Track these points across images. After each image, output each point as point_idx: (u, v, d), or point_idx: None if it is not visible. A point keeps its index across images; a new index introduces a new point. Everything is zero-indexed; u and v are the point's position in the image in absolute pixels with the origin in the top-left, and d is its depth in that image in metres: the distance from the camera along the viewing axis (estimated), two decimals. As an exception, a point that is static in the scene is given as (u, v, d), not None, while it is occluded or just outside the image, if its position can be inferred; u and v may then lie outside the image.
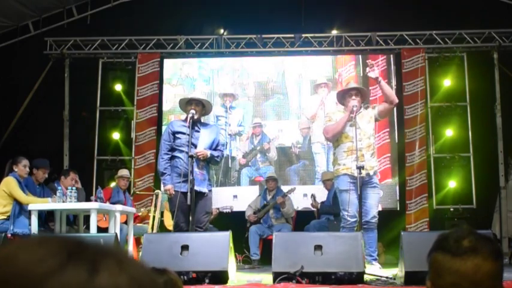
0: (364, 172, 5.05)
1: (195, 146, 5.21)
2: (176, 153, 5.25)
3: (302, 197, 8.38)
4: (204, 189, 5.24)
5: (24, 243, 0.59)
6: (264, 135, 9.01)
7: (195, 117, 5.25)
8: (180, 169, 5.14)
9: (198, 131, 5.30)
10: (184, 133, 5.24)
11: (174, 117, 9.13)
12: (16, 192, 5.91)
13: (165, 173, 5.23)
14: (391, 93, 5.45)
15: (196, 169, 5.13)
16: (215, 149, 5.33)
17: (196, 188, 5.10)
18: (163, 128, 9.05)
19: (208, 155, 5.22)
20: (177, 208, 5.13)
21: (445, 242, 1.33)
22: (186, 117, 5.33)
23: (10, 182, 5.97)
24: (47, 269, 0.55)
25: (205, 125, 5.60)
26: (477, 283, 1.27)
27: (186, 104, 5.36)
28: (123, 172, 7.82)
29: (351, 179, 5.15)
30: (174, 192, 5.14)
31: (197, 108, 5.28)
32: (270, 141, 8.97)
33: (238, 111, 9.13)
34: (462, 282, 1.27)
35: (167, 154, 5.26)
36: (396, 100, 5.39)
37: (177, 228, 5.21)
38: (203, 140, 5.27)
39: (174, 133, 5.28)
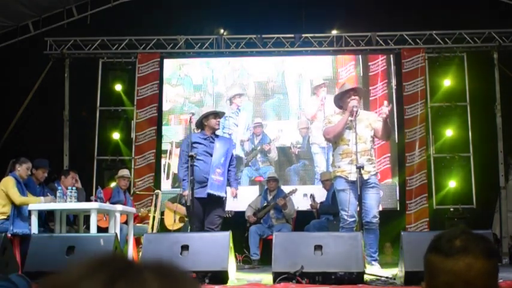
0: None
1: (211, 155, 5.68)
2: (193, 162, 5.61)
3: (302, 197, 8.36)
4: (222, 194, 5.67)
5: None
6: (265, 136, 8.99)
7: (216, 127, 5.82)
8: (196, 176, 5.54)
9: (213, 142, 5.75)
10: (200, 143, 5.70)
11: (173, 117, 9.16)
12: (11, 192, 5.89)
13: (185, 180, 5.63)
14: (388, 133, 5.45)
15: (212, 176, 5.59)
16: (230, 164, 5.79)
17: (214, 192, 5.58)
18: (163, 128, 9.09)
19: (236, 191, 5.87)
20: (193, 214, 5.52)
21: (438, 243, 1.33)
22: (203, 128, 5.82)
23: (8, 181, 5.97)
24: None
25: (219, 137, 6.02)
26: (470, 282, 1.27)
27: (209, 116, 5.80)
28: (124, 172, 7.81)
29: (346, 182, 5.14)
30: (191, 198, 5.53)
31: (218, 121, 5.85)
32: (271, 141, 8.96)
33: (244, 114, 9.10)
34: (455, 282, 1.27)
35: (186, 163, 5.65)
36: (388, 140, 5.47)
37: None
38: (217, 151, 5.71)
39: (192, 143, 5.65)
